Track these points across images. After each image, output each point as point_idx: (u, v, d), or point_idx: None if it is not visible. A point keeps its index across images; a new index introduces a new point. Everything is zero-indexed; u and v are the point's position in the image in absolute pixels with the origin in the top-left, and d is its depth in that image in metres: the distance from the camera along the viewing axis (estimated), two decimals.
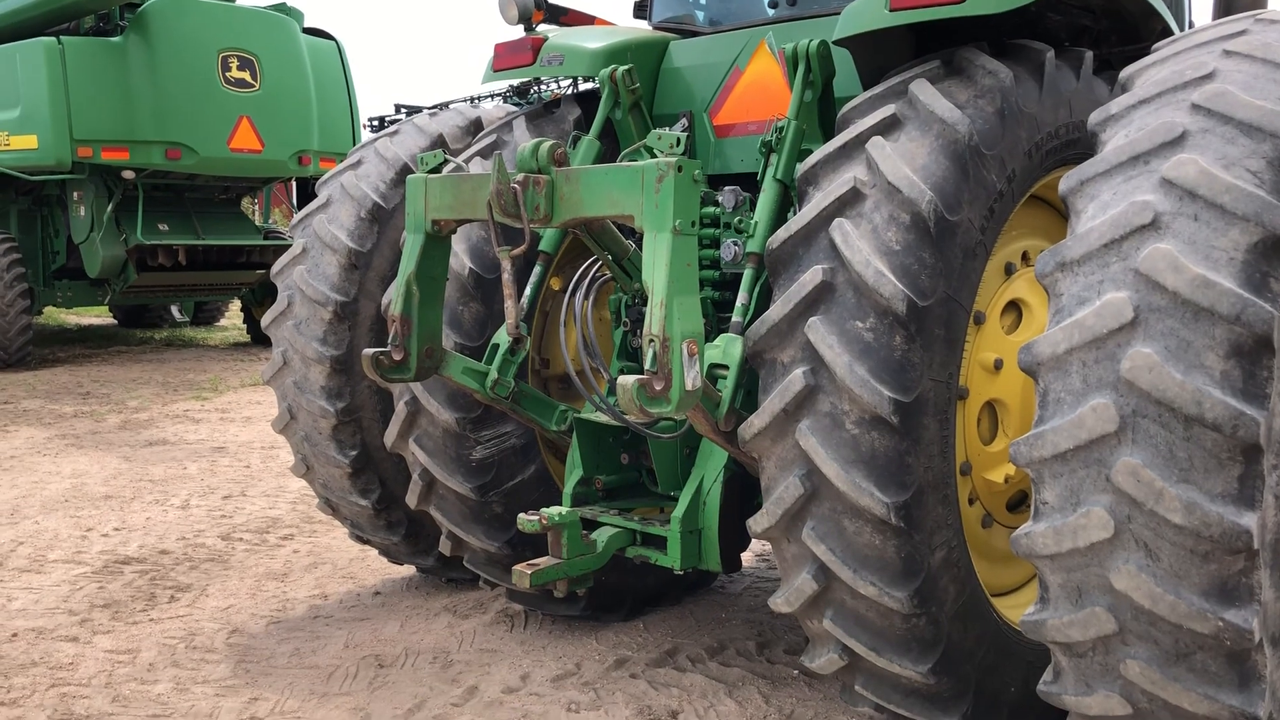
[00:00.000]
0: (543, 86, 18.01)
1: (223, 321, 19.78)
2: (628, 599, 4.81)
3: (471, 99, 23.63)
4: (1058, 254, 2.65)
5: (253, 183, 15.89)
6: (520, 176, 3.27)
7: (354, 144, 14.68)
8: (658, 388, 2.94)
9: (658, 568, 3.94)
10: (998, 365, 3.59)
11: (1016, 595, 3.76)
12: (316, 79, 15.21)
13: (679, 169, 2.98)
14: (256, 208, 18.50)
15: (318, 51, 15.44)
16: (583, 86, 6.01)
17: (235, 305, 18.60)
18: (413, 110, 22.74)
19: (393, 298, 3.74)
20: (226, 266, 15.04)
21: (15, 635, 4.84)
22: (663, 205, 2.98)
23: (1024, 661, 3.41)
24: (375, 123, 24.41)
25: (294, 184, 17.57)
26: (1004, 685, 3.39)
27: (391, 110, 25.34)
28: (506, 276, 3.49)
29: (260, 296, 15.87)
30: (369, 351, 3.71)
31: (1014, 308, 3.76)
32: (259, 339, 16.22)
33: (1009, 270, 3.71)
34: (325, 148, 15.29)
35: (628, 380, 2.90)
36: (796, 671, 4.30)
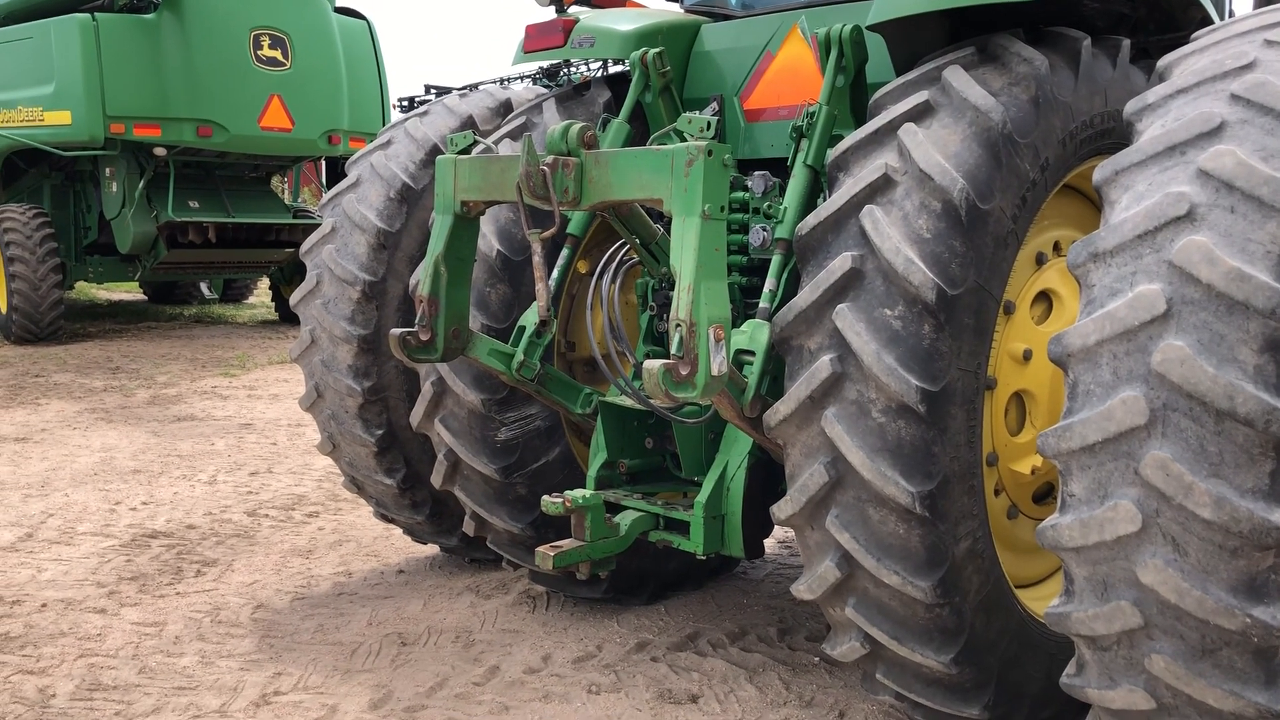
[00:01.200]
0: (573, 69, 17.96)
1: (251, 299, 19.90)
2: (650, 583, 4.82)
3: (501, 80, 23.59)
4: (1090, 244, 2.62)
5: (282, 161, 15.94)
6: (549, 159, 3.26)
7: (384, 124, 14.68)
8: (683, 372, 2.94)
9: (680, 552, 3.94)
10: (1027, 356, 3.56)
11: (1041, 587, 3.74)
12: (347, 58, 15.24)
13: (709, 153, 2.97)
14: (286, 186, 18.58)
15: (349, 31, 15.46)
16: (613, 69, 5.99)
17: (264, 283, 18.70)
18: (443, 91, 22.72)
19: (420, 278, 3.75)
20: (256, 244, 15.12)
21: (44, 606, 4.90)
22: (692, 189, 2.97)
23: (1047, 653, 3.40)
24: (405, 103, 24.43)
25: (323, 163, 17.61)
26: (1026, 677, 3.38)
27: (421, 91, 25.34)
28: (536, 259, 3.50)
29: (289, 275, 15.95)
30: (396, 331, 3.73)
31: (1044, 298, 3.72)
32: (287, 317, 16.31)
33: (1040, 260, 3.67)
34: (355, 127, 15.32)
35: (653, 364, 2.90)
36: (817, 659, 4.30)
